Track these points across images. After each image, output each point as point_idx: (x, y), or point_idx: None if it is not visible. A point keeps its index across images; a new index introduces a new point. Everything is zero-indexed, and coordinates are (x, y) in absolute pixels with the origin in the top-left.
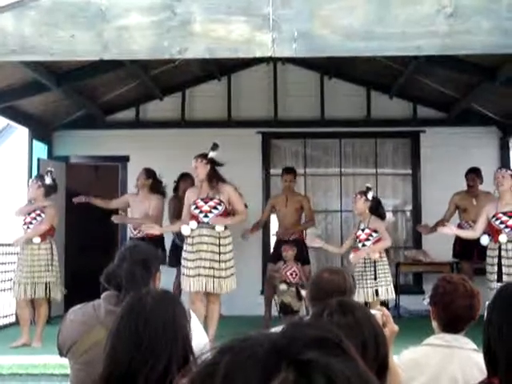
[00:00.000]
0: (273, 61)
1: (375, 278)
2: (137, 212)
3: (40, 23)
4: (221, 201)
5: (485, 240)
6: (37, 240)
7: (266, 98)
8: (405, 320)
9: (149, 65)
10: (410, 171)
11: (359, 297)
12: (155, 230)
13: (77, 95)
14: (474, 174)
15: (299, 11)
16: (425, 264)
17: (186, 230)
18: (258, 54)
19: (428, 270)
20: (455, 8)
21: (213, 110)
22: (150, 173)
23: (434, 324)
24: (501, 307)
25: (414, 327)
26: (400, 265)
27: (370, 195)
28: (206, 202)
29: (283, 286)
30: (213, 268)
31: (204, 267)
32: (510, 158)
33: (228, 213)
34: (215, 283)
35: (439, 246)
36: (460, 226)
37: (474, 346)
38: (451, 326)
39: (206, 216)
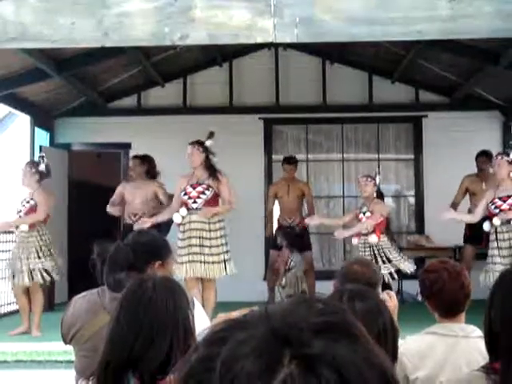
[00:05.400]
0: (274, 46)
1: (383, 263)
2: (137, 199)
3: (40, 10)
4: (209, 186)
5: (486, 226)
6: (24, 228)
7: (268, 84)
8: (408, 305)
9: (150, 51)
10: (412, 156)
11: None
12: (148, 223)
13: (78, 82)
14: (484, 157)
15: None
16: (427, 249)
17: (177, 217)
18: (260, 40)
19: (431, 254)
20: None
21: (214, 96)
22: (143, 159)
23: (435, 315)
24: (503, 291)
25: (417, 312)
26: (403, 250)
27: (377, 180)
28: (194, 188)
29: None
30: (203, 254)
31: (195, 253)
32: None
33: (217, 198)
34: (206, 268)
35: (441, 231)
36: (469, 210)
37: (481, 334)
38: (451, 311)
39: (194, 202)
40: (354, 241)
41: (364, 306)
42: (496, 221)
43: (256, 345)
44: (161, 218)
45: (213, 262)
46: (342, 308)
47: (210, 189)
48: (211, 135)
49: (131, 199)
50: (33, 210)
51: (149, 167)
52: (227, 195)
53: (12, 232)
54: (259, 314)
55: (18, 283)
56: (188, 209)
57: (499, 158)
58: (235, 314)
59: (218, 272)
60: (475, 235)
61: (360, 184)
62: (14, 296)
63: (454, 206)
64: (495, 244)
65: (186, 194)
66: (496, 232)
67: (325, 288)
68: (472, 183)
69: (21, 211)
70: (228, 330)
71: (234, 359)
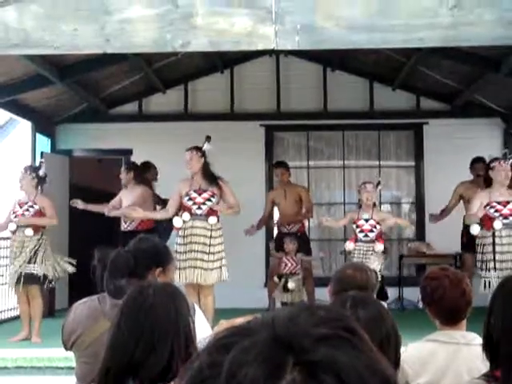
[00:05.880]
0: (275, 53)
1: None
2: (125, 204)
3: (42, 17)
4: (214, 193)
5: (475, 229)
6: (29, 232)
7: (269, 91)
8: (409, 312)
9: (151, 58)
10: (413, 163)
11: None
12: (137, 213)
13: (80, 88)
14: (480, 163)
15: (302, 3)
16: (428, 256)
17: (177, 222)
18: (261, 47)
19: (431, 262)
20: (458, 0)
21: (216, 103)
22: (129, 167)
23: (436, 322)
24: (504, 298)
25: (418, 319)
26: (403, 257)
27: (379, 188)
28: (199, 194)
29: (275, 279)
30: (202, 260)
31: (195, 259)
32: None
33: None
34: (204, 275)
35: (442, 238)
36: (464, 217)
37: (481, 341)
38: (452, 318)
39: (199, 208)
40: (350, 245)
41: (367, 314)
42: (497, 224)
43: (259, 351)
44: (152, 215)
45: (209, 269)
46: (344, 315)
47: (215, 196)
48: (208, 139)
49: (122, 204)
50: (38, 214)
51: (135, 174)
52: (232, 200)
53: (9, 238)
54: (262, 321)
55: (18, 288)
56: (191, 214)
57: (506, 162)
58: (239, 321)
59: (213, 278)
60: (471, 243)
61: (367, 190)
62: (17, 301)
63: (447, 211)
64: (490, 248)
65: (190, 199)
66: (494, 236)
67: (324, 295)
68: (467, 190)
69: (23, 215)
70: (231, 337)
71: (238, 366)
